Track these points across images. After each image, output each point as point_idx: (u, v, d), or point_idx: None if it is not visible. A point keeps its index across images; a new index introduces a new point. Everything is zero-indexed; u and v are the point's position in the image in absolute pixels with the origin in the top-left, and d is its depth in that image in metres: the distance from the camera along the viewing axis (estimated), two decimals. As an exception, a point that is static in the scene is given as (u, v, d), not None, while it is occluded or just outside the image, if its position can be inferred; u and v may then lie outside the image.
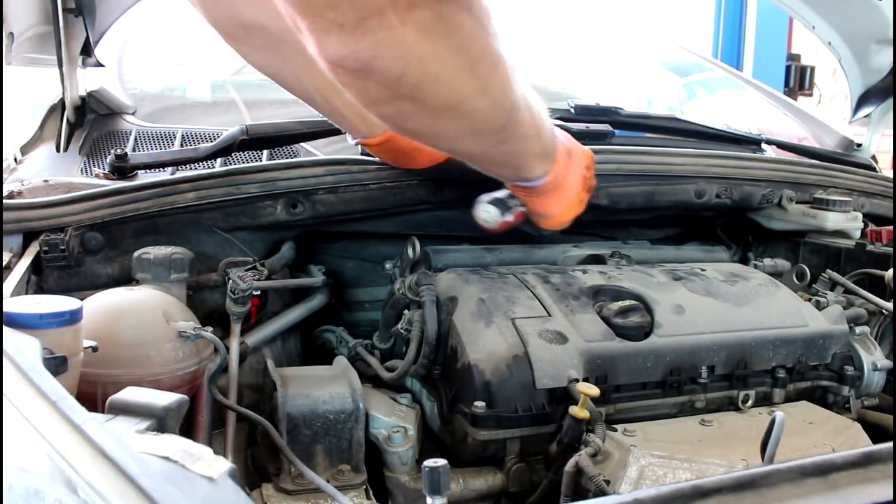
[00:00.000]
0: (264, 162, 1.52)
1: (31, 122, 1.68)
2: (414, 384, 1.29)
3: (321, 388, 1.15)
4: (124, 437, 0.60)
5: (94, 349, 0.93)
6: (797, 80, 5.37)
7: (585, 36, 2.76)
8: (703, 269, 1.39)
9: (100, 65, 1.68)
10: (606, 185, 1.47)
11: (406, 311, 1.27)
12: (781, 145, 1.96)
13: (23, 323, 0.81)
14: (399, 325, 1.27)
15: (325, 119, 1.28)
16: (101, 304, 1.06)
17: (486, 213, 1.21)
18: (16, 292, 1.06)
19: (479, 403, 1.08)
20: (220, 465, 0.55)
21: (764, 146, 1.92)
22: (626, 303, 1.21)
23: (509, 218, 1.22)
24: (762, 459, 0.86)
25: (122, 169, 1.40)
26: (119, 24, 1.71)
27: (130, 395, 0.67)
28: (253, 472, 1.17)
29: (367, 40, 0.75)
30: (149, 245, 1.21)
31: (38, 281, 1.19)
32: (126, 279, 1.23)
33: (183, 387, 1.07)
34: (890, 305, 1.41)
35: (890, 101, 1.94)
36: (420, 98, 0.86)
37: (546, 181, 1.14)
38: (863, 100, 2.00)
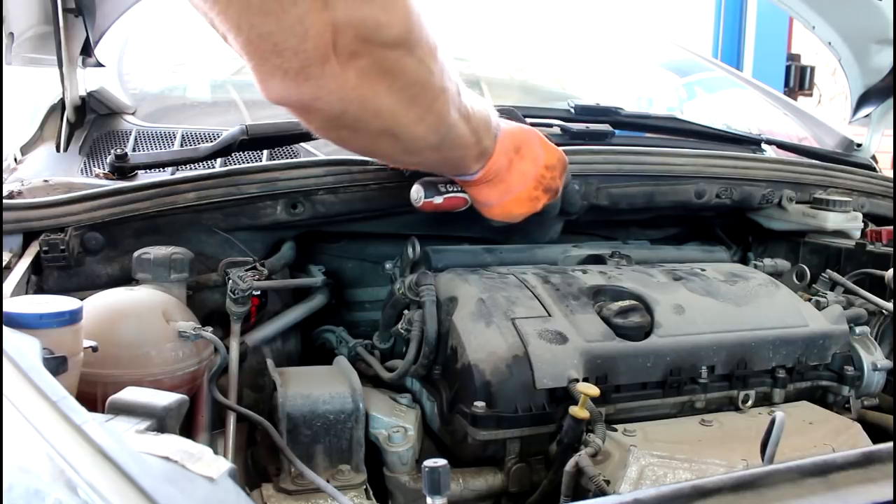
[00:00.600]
0: (264, 162, 1.52)
1: (31, 122, 1.68)
2: (414, 384, 1.29)
3: (321, 388, 1.15)
4: (124, 437, 0.60)
5: (94, 349, 0.93)
6: (797, 80, 5.37)
7: (585, 36, 2.76)
8: (703, 269, 1.39)
9: (100, 65, 1.68)
10: (606, 185, 1.47)
11: (406, 311, 1.27)
12: (781, 145, 1.96)
13: (23, 323, 0.81)
14: (399, 325, 1.27)
15: None
16: (101, 304, 1.06)
17: (415, 192, 1.25)
18: (16, 292, 1.06)
19: (479, 403, 1.08)
20: (220, 465, 0.55)
21: (764, 146, 1.92)
22: (626, 303, 1.21)
23: (437, 200, 1.25)
24: (762, 459, 0.86)
25: (122, 169, 1.40)
26: (119, 24, 1.70)
27: (130, 395, 0.68)
28: (253, 472, 1.17)
29: (310, 85, 0.80)
30: (149, 245, 1.21)
31: (38, 281, 1.19)
32: (126, 279, 1.22)
33: (183, 387, 1.07)
34: (890, 305, 1.41)
35: (890, 101, 1.94)
36: (361, 128, 0.92)
37: (480, 174, 1.18)
38: (863, 100, 2.00)
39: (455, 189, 1.25)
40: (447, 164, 1.16)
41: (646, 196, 1.52)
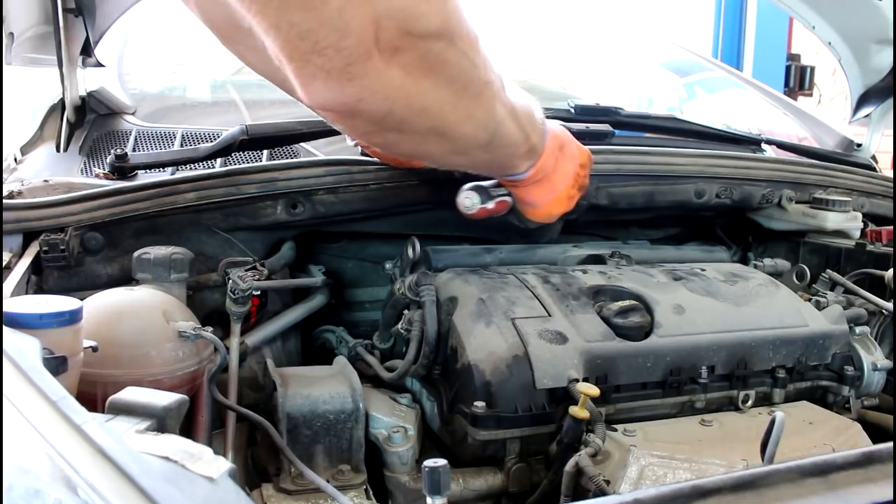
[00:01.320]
0: (264, 162, 1.52)
1: (31, 122, 1.68)
2: (414, 384, 1.29)
3: (321, 388, 1.15)
4: (124, 437, 0.60)
5: (94, 349, 0.93)
6: (797, 80, 5.37)
7: (585, 36, 2.76)
8: (703, 269, 1.39)
9: (100, 65, 1.68)
10: (606, 185, 1.47)
11: (406, 311, 1.27)
12: (781, 145, 1.96)
13: (23, 323, 0.81)
14: (399, 325, 1.27)
15: (325, 119, 1.28)
16: (101, 304, 1.06)
17: (468, 199, 1.22)
18: (16, 292, 1.06)
19: (479, 403, 1.08)
20: (220, 465, 0.55)
21: (764, 146, 1.92)
22: (626, 303, 1.21)
23: (490, 205, 1.23)
24: (762, 459, 0.86)
25: (122, 169, 1.40)
26: (119, 24, 1.70)
27: (130, 395, 0.68)
28: (253, 472, 1.17)
29: (353, 85, 0.77)
30: (149, 245, 1.21)
31: (38, 281, 1.19)
32: (126, 279, 1.22)
33: (183, 387, 1.07)
34: (890, 305, 1.41)
35: (890, 101, 1.94)
36: (407, 129, 0.88)
37: (531, 174, 1.15)
38: (863, 100, 2.00)
39: (502, 192, 1.23)
40: (496, 164, 1.13)
41: (646, 196, 1.52)
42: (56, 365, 0.80)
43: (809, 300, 1.39)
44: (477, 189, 1.22)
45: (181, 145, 1.60)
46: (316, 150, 1.57)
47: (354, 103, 0.79)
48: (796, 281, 1.54)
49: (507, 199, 1.23)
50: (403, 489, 1.13)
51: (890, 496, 0.58)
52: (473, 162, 1.10)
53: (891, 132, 2.01)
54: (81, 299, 0.93)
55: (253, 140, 1.41)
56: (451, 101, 0.87)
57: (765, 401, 1.26)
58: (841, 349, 1.30)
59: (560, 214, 1.25)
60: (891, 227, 1.59)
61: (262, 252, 1.38)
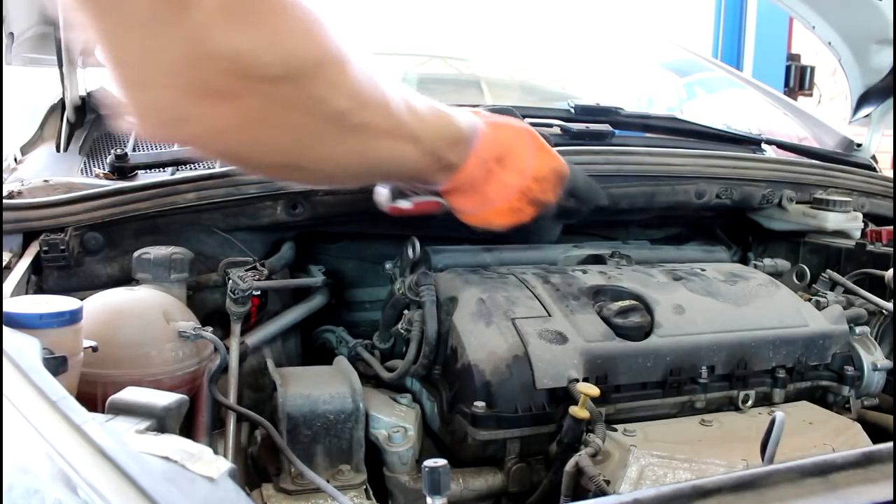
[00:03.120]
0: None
1: (31, 122, 1.68)
2: (414, 384, 1.29)
3: (321, 388, 1.15)
4: (124, 437, 0.60)
5: (94, 349, 0.93)
6: (797, 80, 5.37)
7: (585, 36, 2.76)
8: (703, 269, 1.39)
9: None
10: (606, 185, 1.47)
11: (406, 311, 1.27)
12: (781, 145, 1.96)
13: (23, 323, 0.81)
14: (399, 325, 1.27)
15: None
16: (101, 304, 1.06)
17: (380, 195, 1.16)
18: (16, 292, 1.06)
19: (479, 403, 1.08)
20: (220, 465, 0.55)
21: (764, 146, 1.92)
22: (626, 303, 1.21)
23: (404, 205, 1.16)
24: (762, 459, 0.86)
25: (122, 169, 1.40)
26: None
27: (130, 395, 0.68)
28: (253, 472, 1.17)
29: (185, 126, 0.72)
30: (149, 245, 1.21)
31: (38, 281, 1.19)
32: (126, 279, 1.22)
33: (183, 387, 1.07)
34: (890, 305, 1.41)
35: (890, 101, 1.94)
36: (256, 165, 0.84)
37: (450, 185, 1.09)
38: (863, 100, 2.00)
39: (427, 195, 1.16)
40: (395, 178, 1.07)
41: (646, 196, 1.52)
42: (56, 365, 0.80)
43: (809, 300, 1.39)
44: (392, 188, 1.17)
45: (181, 145, 1.60)
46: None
47: (190, 142, 0.75)
48: (796, 281, 1.54)
49: (433, 199, 1.15)
50: (403, 489, 1.13)
51: (890, 496, 0.58)
52: (364, 182, 1.03)
53: (891, 132, 2.01)
54: (81, 299, 0.93)
55: (253, 140, 1.41)
56: (304, 144, 0.81)
57: (765, 401, 1.26)
58: (841, 349, 1.30)
59: (506, 225, 1.16)
60: (891, 227, 1.59)
61: (262, 252, 1.38)
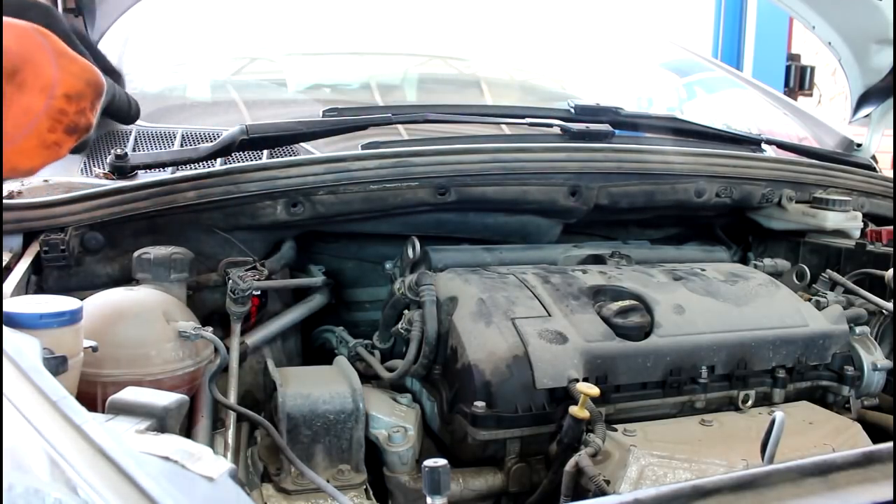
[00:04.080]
0: (264, 160, 1.52)
1: (31, 122, 1.68)
2: (414, 384, 1.29)
3: (321, 388, 1.15)
4: (124, 437, 0.60)
5: (94, 349, 0.93)
6: (797, 80, 5.36)
7: (585, 36, 2.76)
8: (703, 269, 1.39)
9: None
10: (607, 184, 1.47)
11: (406, 311, 1.27)
12: (781, 145, 1.96)
13: (23, 323, 0.81)
14: (399, 325, 1.27)
15: (326, 119, 1.27)
16: (101, 304, 1.06)
17: None
18: (16, 292, 1.06)
19: (479, 403, 1.08)
20: (220, 465, 0.55)
21: (764, 146, 1.92)
22: (626, 303, 1.21)
23: None
24: (762, 459, 0.86)
25: (122, 169, 1.39)
26: (119, 23, 1.70)
27: (130, 395, 0.68)
28: (253, 472, 1.17)
29: None
30: (149, 245, 1.21)
31: (38, 281, 1.19)
32: (126, 279, 1.22)
33: (183, 387, 1.07)
34: (890, 305, 1.41)
35: (890, 101, 1.94)
36: None
37: None
38: (863, 100, 2.00)
39: None
40: None
41: (646, 195, 1.52)
42: (56, 365, 0.80)
43: (809, 300, 1.39)
44: None
45: (181, 145, 1.60)
46: (315, 149, 1.57)
47: None
48: (796, 281, 1.54)
49: None
50: (403, 489, 1.13)
51: (890, 496, 0.58)
52: None
53: (891, 132, 2.01)
54: (81, 299, 0.93)
55: (253, 140, 1.41)
56: None
57: (765, 401, 1.26)
58: (841, 349, 1.30)
59: (39, 166, 0.94)
60: (891, 227, 1.59)
61: (262, 252, 1.38)
